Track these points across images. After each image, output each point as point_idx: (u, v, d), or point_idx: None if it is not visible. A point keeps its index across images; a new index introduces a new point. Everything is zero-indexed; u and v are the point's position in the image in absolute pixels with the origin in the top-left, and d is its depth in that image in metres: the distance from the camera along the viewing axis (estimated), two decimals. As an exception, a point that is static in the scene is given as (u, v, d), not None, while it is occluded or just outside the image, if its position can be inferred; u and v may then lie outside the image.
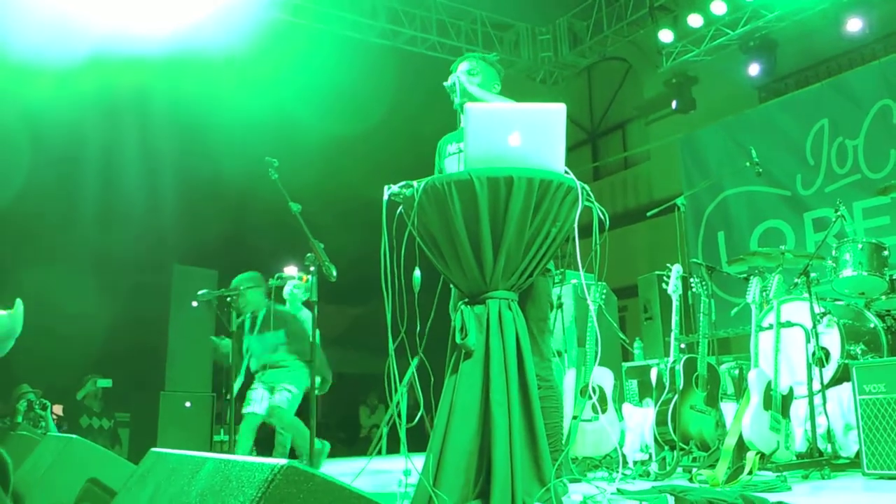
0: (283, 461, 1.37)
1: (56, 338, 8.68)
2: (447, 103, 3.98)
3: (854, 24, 9.04)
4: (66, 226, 9.52)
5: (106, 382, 9.06)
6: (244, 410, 5.92)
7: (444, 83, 3.78)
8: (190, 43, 8.96)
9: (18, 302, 2.36)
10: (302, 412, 6.87)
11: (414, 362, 3.35)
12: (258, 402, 5.95)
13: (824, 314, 5.38)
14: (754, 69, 10.15)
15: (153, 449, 2.25)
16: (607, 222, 3.17)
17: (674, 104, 11.01)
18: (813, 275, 5.18)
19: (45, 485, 2.76)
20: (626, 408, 6.00)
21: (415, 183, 3.10)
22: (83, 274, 9.51)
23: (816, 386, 4.87)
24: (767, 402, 4.59)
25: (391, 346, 3.13)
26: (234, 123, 9.37)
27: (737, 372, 5.98)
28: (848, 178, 8.64)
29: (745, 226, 9.63)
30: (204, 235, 9.92)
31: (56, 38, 8.49)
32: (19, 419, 7.20)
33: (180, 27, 9.05)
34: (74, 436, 2.96)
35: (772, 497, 3.13)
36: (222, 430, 8.44)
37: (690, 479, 4.55)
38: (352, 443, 13.02)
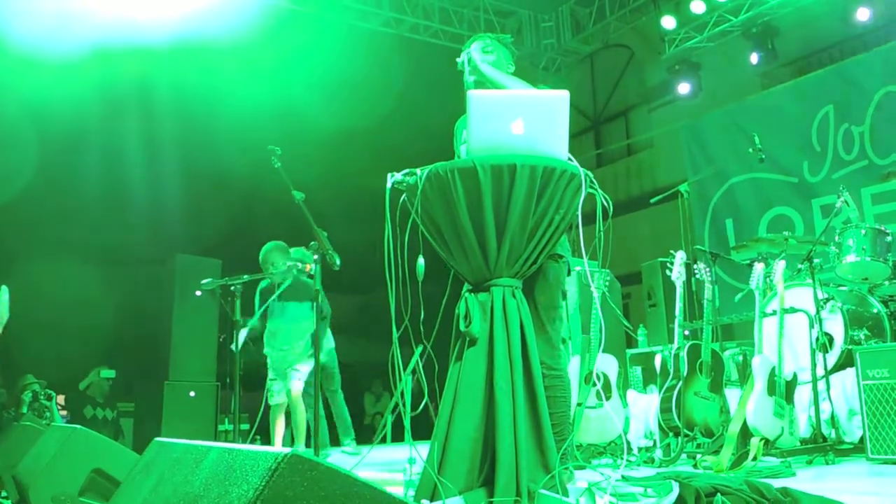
0: (287, 450, 1.37)
1: (60, 328, 8.71)
2: (451, 91, 3.95)
3: (863, 14, 8.96)
4: (70, 216, 9.52)
5: (109, 373, 9.07)
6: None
7: (457, 59, 3.73)
8: (193, 32, 8.94)
9: (4, 289, 2.29)
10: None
11: (418, 350, 3.35)
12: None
13: (828, 300, 5.38)
14: (755, 58, 10.09)
15: (157, 438, 2.25)
16: (611, 209, 3.16)
17: (688, 87, 10.87)
18: (816, 260, 5.17)
19: (49, 475, 2.76)
20: (631, 394, 6.01)
21: (418, 171, 3.09)
22: (87, 264, 9.52)
23: (820, 371, 4.87)
24: (771, 388, 4.59)
25: (395, 335, 3.13)
26: (237, 113, 9.35)
27: (740, 358, 5.99)
28: (855, 165, 8.60)
29: (753, 213, 9.59)
30: (207, 225, 9.92)
31: (59, 29, 8.47)
32: (24, 410, 7.23)
33: (184, 16, 9.02)
34: (78, 426, 2.96)
35: (776, 483, 3.13)
36: (226, 420, 8.47)
37: (695, 466, 4.56)
38: (356, 431, 13.02)
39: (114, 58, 8.82)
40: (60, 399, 8.81)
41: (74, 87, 8.62)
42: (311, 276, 5.49)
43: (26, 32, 8.40)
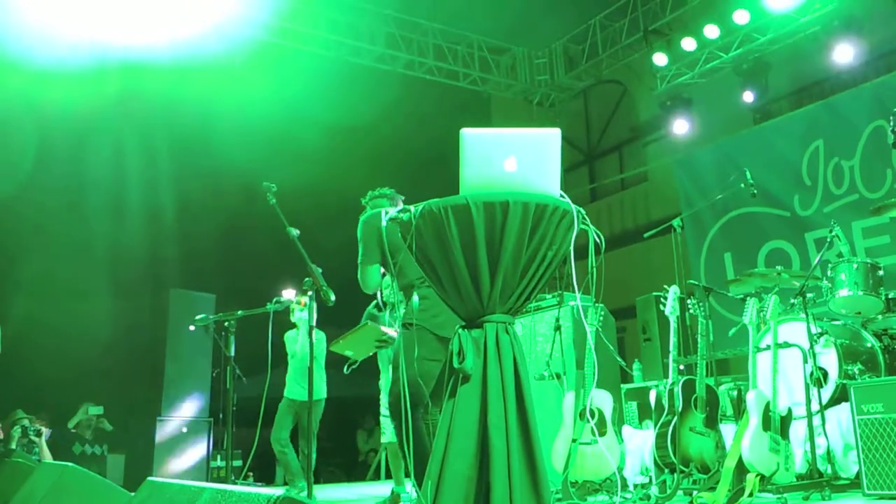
0: (280, 491, 1.37)
1: (52, 362, 8.65)
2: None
3: (842, 54, 8.99)
4: (62, 251, 9.51)
5: (97, 409, 8.97)
6: None
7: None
8: (185, 64, 8.99)
9: None
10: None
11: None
12: None
13: (821, 334, 5.37)
14: (748, 97, 10.13)
15: (150, 478, 2.24)
16: (603, 245, 3.18)
17: (685, 126, 10.82)
18: (809, 295, 5.18)
19: (40, 514, 2.74)
20: (626, 430, 5.98)
21: (412, 207, 3.11)
22: (80, 298, 9.49)
23: (815, 406, 4.86)
24: (766, 423, 4.58)
25: (403, 368, 3.13)
26: (232, 147, 9.39)
27: (735, 393, 5.96)
28: (846, 199, 8.63)
29: (751, 247, 9.57)
30: (202, 260, 9.92)
31: (48, 51, 8.46)
32: (13, 445, 7.16)
33: (174, 46, 9.07)
34: (69, 464, 2.94)
35: (772, 520, 3.12)
36: (219, 457, 8.39)
37: (691, 502, 4.54)
38: (349, 468, 12.93)
39: (109, 81, 8.84)
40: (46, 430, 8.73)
41: (72, 116, 8.63)
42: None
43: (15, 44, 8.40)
